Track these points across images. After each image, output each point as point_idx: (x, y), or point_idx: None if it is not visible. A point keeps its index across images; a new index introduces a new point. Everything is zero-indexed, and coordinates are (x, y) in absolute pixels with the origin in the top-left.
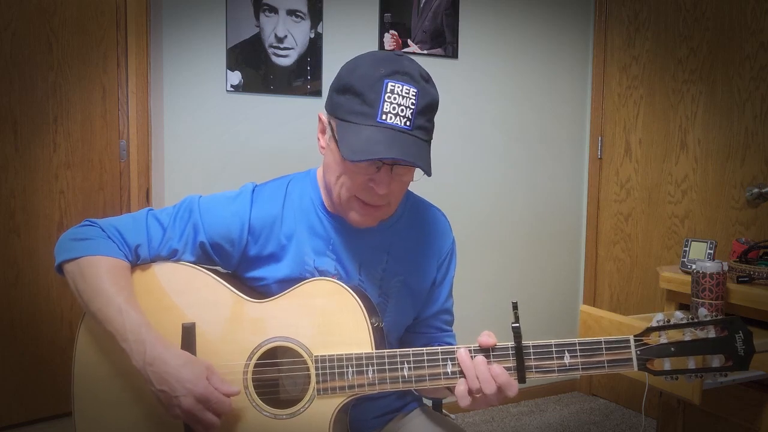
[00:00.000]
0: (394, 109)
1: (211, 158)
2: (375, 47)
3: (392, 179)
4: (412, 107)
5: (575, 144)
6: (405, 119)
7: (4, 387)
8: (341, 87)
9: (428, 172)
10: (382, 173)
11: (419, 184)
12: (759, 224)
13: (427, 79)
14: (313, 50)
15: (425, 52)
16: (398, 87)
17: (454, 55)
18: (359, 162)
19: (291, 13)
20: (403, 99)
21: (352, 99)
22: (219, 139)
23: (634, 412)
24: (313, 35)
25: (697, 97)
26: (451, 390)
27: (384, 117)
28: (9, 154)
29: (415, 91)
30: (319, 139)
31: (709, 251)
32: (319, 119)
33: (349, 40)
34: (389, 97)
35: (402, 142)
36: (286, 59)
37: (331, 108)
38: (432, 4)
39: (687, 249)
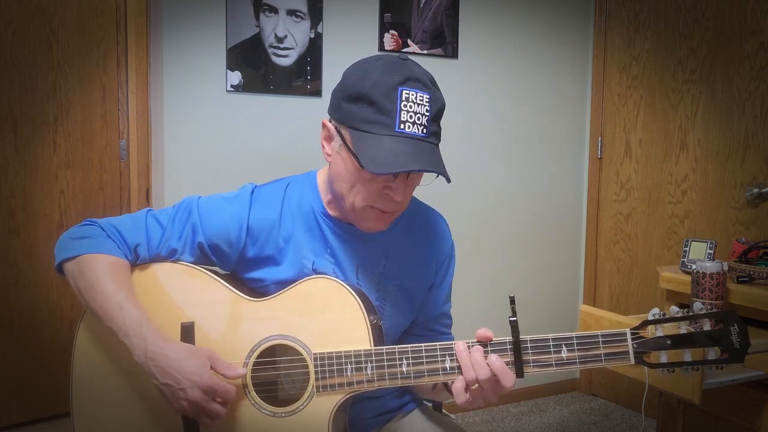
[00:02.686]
0: (410, 117)
1: (211, 158)
2: (375, 47)
3: (407, 185)
4: (427, 114)
5: (575, 144)
6: (421, 127)
7: (4, 387)
8: (352, 95)
9: (449, 179)
10: (399, 181)
11: (420, 183)
12: (759, 224)
13: (433, 83)
14: (313, 50)
15: (425, 52)
16: (412, 94)
17: (454, 55)
18: (386, 174)
19: (291, 13)
20: (418, 106)
21: (366, 108)
22: (219, 139)
23: (634, 412)
24: (313, 35)
25: (697, 97)
26: (449, 389)
27: (402, 126)
28: (9, 154)
29: (428, 97)
30: (323, 146)
31: (709, 251)
32: (324, 126)
33: (349, 40)
34: (405, 105)
35: (423, 152)
36: (286, 59)
37: (341, 117)
38: (432, 4)
39: (687, 249)
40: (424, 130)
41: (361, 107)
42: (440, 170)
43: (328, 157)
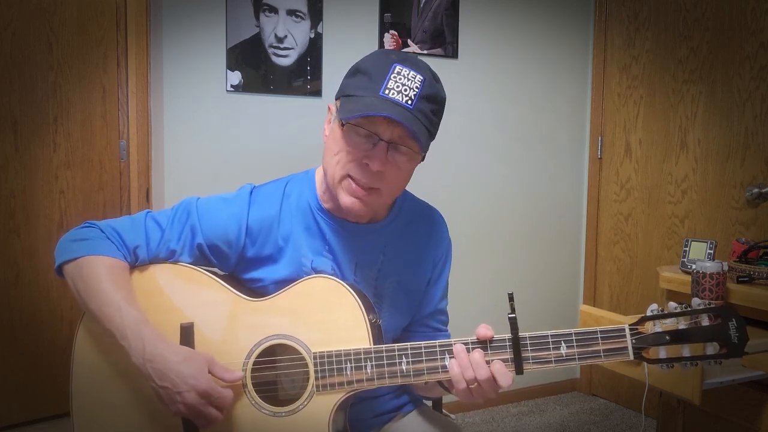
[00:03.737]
0: (398, 87)
1: (211, 158)
2: (375, 47)
3: (387, 161)
4: (416, 89)
5: (575, 144)
6: (407, 98)
7: (4, 387)
8: (352, 71)
9: (423, 150)
10: (378, 150)
11: (420, 184)
12: (759, 224)
13: (436, 79)
14: (313, 50)
15: (425, 52)
16: (405, 71)
17: (454, 55)
18: (355, 118)
19: (291, 13)
20: (408, 81)
21: (360, 77)
22: (219, 139)
23: (634, 412)
24: (313, 35)
25: (697, 97)
26: (446, 387)
27: (387, 92)
28: (9, 154)
29: (422, 78)
30: (324, 128)
31: (709, 251)
32: (328, 109)
33: (349, 40)
34: (395, 77)
35: (400, 112)
36: (286, 59)
37: (340, 91)
38: (432, 4)
39: (687, 249)
40: (410, 102)
41: (356, 78)
42: (412, 128)
43: (325, 138)
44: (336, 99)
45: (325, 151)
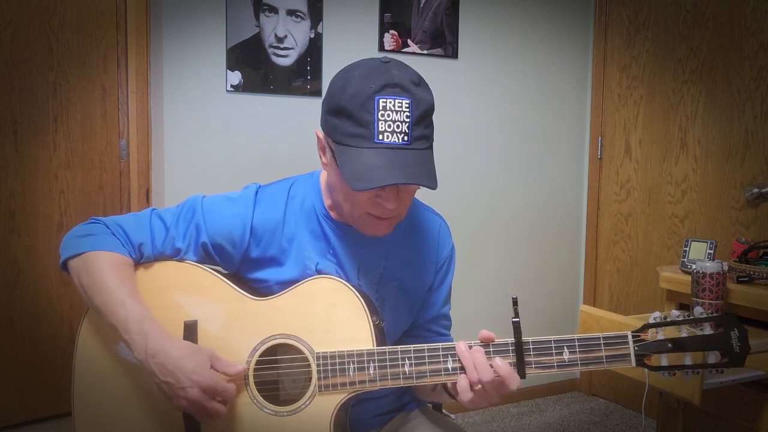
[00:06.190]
0: (389, 126)
1: (211, 158)
2: (375, 47)
3: (399, 192)
4: (407, 120)
5: (575, 144)
6: (402, 134)
7: (4, 387)
8: (333, 108)
9: (433, 186)
10: (388, 191)
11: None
12: (759, 224)
13: (417, 83)
14: (313, 50)
15: (425, 52)
16: (390, 102)
17: (454, 55)
18: (364, 191)
19: (291, 13)
20: (396, 114)
21: (346, 121)
22: (219, 139)
23: (634, 412)
24: (313, 35)
25: (697, 97)
26: (451, 393)
27: (381, 137)
28: (9, 154)
29: (408, 102)
30: (320, 156)
31: (709, 251)
32: (318, 137)
33: (349, 40)
34: (382, 115)
35: (403, 162)
36: (286, 59)
37: (327, 130)
38: (432, 4)
39: (687, 249)
40: (405, 138)
41: (341, 121)
42: (420, 181)
43: (325, 167)
44: (325, 133)
45: (332, 185)
